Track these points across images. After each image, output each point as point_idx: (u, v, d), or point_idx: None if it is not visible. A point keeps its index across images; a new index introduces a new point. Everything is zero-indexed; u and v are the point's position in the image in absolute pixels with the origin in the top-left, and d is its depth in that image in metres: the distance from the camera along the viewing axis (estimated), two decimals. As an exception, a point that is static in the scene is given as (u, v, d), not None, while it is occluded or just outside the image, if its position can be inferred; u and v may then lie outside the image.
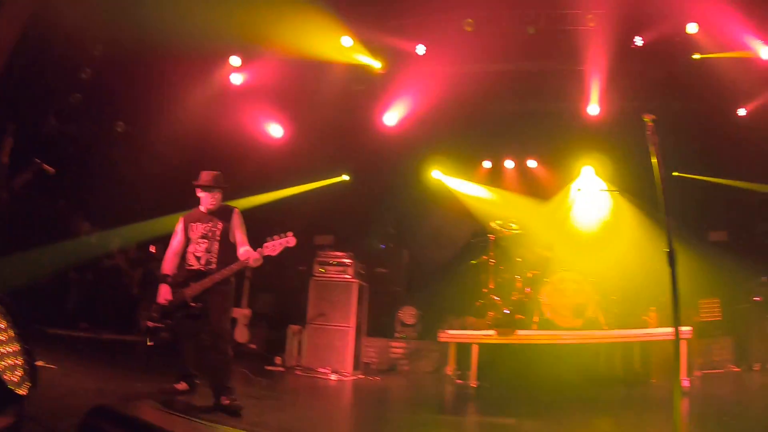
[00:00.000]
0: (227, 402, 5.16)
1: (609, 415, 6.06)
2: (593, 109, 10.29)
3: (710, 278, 9.13)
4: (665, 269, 8.97)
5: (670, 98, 10.10)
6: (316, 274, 9.14)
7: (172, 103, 9.53)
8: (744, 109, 10.41)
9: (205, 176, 5.73)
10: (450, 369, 8.30)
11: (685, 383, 7.20)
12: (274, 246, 5.38)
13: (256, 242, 5.52)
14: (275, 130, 11.08)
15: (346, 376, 8.47)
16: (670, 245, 3.85)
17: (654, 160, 4.04)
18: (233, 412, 5.07)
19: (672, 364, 7.41)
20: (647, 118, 4.14)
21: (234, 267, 5.42)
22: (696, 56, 9.57)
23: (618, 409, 6.44)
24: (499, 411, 6.41)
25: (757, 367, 8.61)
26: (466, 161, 11.49)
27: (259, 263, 5.41)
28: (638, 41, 9.61)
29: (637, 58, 9.92)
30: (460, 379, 7.91)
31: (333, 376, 8.39)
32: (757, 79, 9.73)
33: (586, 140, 10.38)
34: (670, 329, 7.55)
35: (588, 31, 9.29)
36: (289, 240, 5.41)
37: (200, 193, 5.71)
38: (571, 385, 7.37)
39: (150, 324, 5.43)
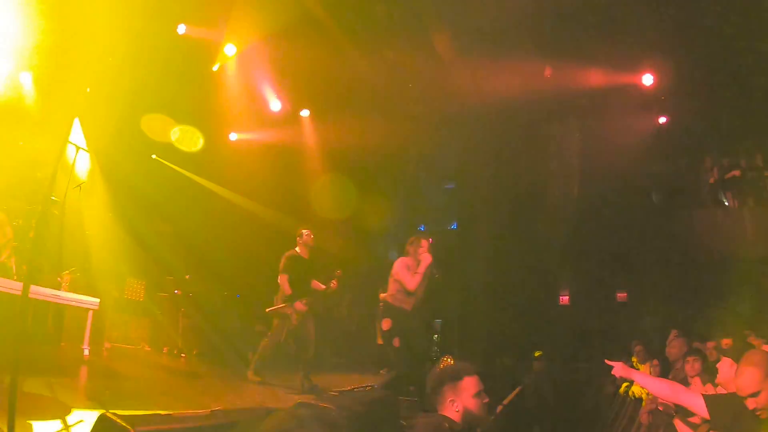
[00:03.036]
0: None
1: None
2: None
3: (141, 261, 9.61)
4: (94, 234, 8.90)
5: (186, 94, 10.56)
6: None
7: None
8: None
9: None
10: None
11: (86, 352, 7.14)
12: None
13: None
14: None
15: None
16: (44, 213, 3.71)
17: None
18: None
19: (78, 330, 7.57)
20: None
21: None
22: (215, 67, 10.33)
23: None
24: None
25: (165, 350, 9.35)
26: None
27: None
28: (181, 29, 9.76)
29: (175, 45, 10.05)
30: None
31: None
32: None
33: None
34: (82, 296, 7.60)
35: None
36: None
37: None
38: None
39: None
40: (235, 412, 2.95)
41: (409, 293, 6.33)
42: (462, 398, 3.38)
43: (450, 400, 3.37)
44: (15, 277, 7.36)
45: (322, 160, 11.71)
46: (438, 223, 13.08)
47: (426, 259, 6.42)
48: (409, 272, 6.40)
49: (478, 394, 3.45)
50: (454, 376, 3.45)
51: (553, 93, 10.14)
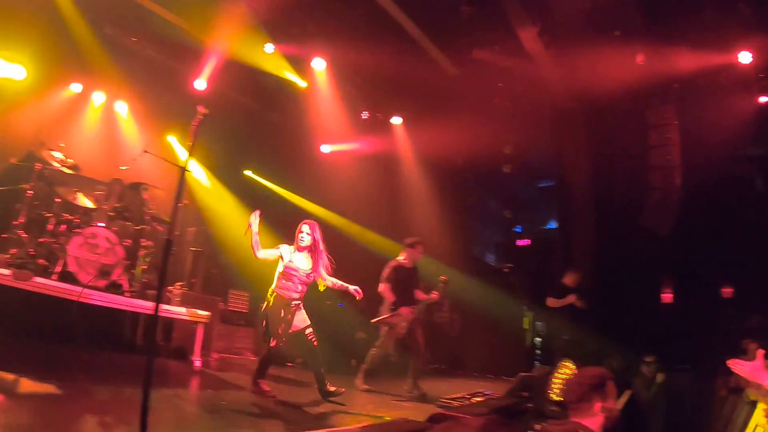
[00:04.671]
0: None
1: (107, 382, 5.71)
2: (201, 83, 10.27)
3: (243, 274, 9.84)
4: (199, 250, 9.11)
5: (264, 106, 10.76)
6: None
7: None
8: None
9: None
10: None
11: (197, 363, 7.37)
12: None
13: None
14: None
15: None
16: (170, 233, 3.83)
17: (188, 147, 4.00)
18: None
19: (187, 342, 7.87)
20: (201, 110, 4.11)
21: None
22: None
23: (121, 376, 6.16)
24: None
25: None
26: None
27: None
28: (269, 48, 10.04)
29: (261, 61, 10.36)
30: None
31: None
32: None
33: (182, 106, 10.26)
34: (196, 310, 7.86)
35: (231, 14, 9.25)
36: None
37: None
38: (88, 347, 6.79)
39: None
40: (379, 426, 2.90)
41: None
42: (608, 403, 3.31)
43: (598, 406, 3.28)
44: (127, 295, 7.71)
45: (414, 165, 11.70)
46: (534, 223, 12.81)
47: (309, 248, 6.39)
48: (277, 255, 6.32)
49: (616, 397, 3.39)
50: (601, 382, 3.36)
51: (647, 80, 9.70)
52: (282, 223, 11.18)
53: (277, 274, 6.28)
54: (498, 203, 12.97)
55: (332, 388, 6.20)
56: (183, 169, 3.95)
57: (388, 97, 10.84)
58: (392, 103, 11.06)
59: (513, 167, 11.63)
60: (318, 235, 6.46)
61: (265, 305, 6.21)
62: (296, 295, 6.27)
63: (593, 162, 10.78)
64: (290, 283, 6.24)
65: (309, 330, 6.35)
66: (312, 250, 6.40)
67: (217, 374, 7.68)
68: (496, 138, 11.14)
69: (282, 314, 6.16)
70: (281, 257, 6.26)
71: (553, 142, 11.08)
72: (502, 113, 10.49)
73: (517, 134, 11.05)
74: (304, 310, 6.42)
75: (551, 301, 9.50)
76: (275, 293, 6.21)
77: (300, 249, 6.37)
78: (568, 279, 9.63)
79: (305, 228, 6.42)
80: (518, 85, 10.02)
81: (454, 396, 6.66)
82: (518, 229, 12.78)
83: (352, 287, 6.52)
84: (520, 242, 12.47)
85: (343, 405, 6.14)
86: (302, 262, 6.33)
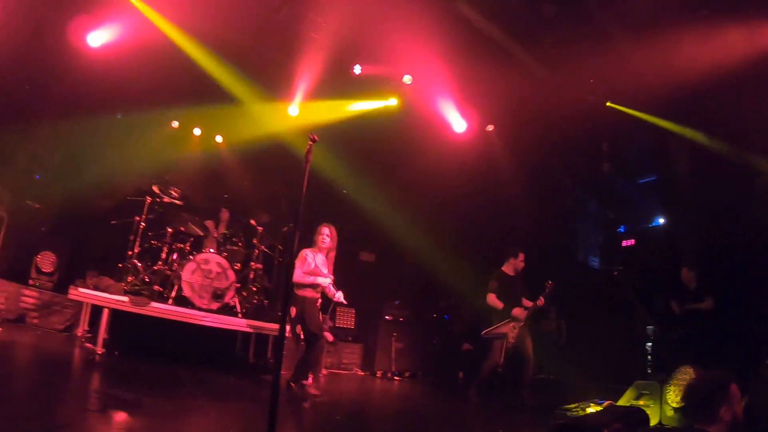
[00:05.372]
0: None
1: (224, 399, 5.98)
2: (294, 109, 10.56)
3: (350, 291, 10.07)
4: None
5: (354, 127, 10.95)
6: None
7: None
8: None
9: None
10: (81, 330, 7.52)
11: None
12: None
13: None
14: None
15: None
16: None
17: (306, 176, 4.15)
18: None
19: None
20: (311, 137, 4.27)
21: None
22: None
23: (237, 393, 6.45)
24: (119, 383, 5.82)
25: (378, 374, 9.77)
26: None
27: None
28: (357, 70, 10.21)
29: (349, 84, 10.49)
30: (90, 343, 7.15)
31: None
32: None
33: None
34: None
35: (315, 39, 9.44)
36: None
37: None
38: (203, 367, 7.21)
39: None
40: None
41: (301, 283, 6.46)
42: (734, 406, 3.19)
43: (724, 410, 3.17)
44: (239, 315, 8.08)
45: (510, 171, 11.50)
46: (638, 222, 12.23)
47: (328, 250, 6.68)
48: (302, 264, 6.49)
49: (740, 400, 3.28)
50: (725, 385, 3.24)
51: (742, 58, 9.01)
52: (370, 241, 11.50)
53: (302, 278, 6.52)
54: (598, 203, 12.52)
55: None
56: (301, 199, 4.07)
57: (479, 105, 10.72)
58: (484, 111, 10.92)
59: (611, 165, 11.20)
60: (335, 240, 6.78)
61: (298, 309, 6.49)
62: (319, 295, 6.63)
63: (695, 152, 10.18)
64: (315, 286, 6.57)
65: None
66: (328, 254, 6.74)
67: (328, 389, 7.85)
68: (591, 136, 10.82)
69: (317, 313, 6.58)
70: (309, 263, 6.56)
71: (650, 135, 10.57)
72: (593, 110, 10.13)
73: (612, 130, 10.66)
74: None
75: (675, 305, 9.01)
76: (306, 297, 6.50)
77: (321, 250, 6.71)
78: (687, 279, 9.07)
79: (325, 230, 6.73)
80: (610, 75, 9.62)
81: (568, 405, 6.51)
82: (621, 229, 12.24)
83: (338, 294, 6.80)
84: (624, 243, 11.93)
85: (457, 416, 6.15)
86: (323, 265, 6.67)
